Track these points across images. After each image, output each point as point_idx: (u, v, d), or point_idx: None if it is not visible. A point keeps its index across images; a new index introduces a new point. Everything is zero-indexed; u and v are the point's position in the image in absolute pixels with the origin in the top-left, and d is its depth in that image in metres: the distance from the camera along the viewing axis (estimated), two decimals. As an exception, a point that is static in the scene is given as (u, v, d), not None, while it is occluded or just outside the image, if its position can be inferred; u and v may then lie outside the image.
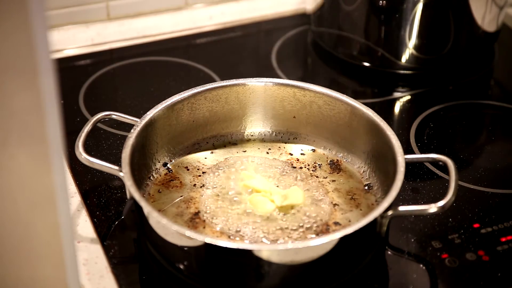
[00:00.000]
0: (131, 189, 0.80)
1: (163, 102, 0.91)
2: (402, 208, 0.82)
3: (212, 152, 0.95)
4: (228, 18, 1.28)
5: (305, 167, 0.93)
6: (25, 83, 0.54)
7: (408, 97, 1.13)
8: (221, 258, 0.77)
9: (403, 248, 0.86)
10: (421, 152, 1.00)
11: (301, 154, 0.95)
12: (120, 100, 1.11)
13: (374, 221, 0.79)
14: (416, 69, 1.14)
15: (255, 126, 0.97)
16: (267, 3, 1.31)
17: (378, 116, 0.90)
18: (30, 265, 0.65)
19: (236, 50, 1.23)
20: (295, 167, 0.92)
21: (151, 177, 0.90)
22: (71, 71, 1.16)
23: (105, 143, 1.01)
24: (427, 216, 0.89)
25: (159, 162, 0.92)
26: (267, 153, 0.95)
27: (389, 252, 0.85)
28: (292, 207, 0.85)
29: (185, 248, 0.78)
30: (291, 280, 0.78)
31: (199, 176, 0.91)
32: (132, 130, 0.87)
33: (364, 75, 1.16)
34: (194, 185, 0.90)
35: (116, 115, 0.91)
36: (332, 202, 0.87)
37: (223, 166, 0.92)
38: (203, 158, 0.94)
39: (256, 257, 0.75)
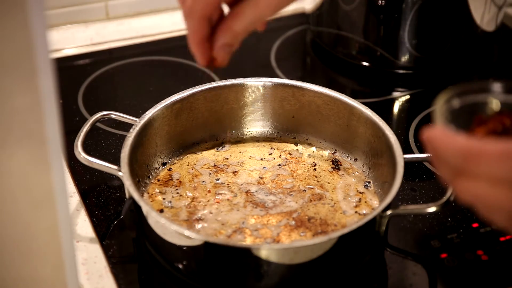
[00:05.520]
0: (130, 188, 0.80)
1: (162, 101, 0.91)
2: (401, 207, 0.82)
3: (211, 152, 0.95)
4: (227, 17, 1.28)
5: (304, 166, 0.93)
6: (24, 82, 0.54)
7: (407, 97, 1.13)
8: (220, 257, 0.77)
9: (402, 247, 0.86)
10: (420, 152, 1.00)
11: (300, 153, 0.95)
12: (119, 99, 1.11)
13: (373, 221, 0.79)
14: (415, 69, 1.14)
15: (254, 126, 0.97)
16: (266, 2, 1.30)
17: (377, 116, 0.90)
18: (29, 265, 0.65)
19: (235, 50, 1.23)
20: (293, 166, 0.92)
21: (150, 177, 0.90)
22: (70, 71, 1.16)
23: (104, 143, 1.01)
24: (426, 215, 0.89)
25: (158, 161, 0.92)
26: (266, 153, 0.95)
27: (388, 252, 0.85)
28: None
29: (184, 248, 0.78)
30: (290, 279, 0.78)
31: (198, 175, 0.91)
32: (131, 130, 0.87)
33: (363, 75, 1.16)
34: (193, 184, 0.90)
35: (115, 115, 0.91)
36: (331, 202, 0.87)
37: (221, 165, 0.92)
38: (202, 158, 0.94)
39: (255, 257, 0.75)
